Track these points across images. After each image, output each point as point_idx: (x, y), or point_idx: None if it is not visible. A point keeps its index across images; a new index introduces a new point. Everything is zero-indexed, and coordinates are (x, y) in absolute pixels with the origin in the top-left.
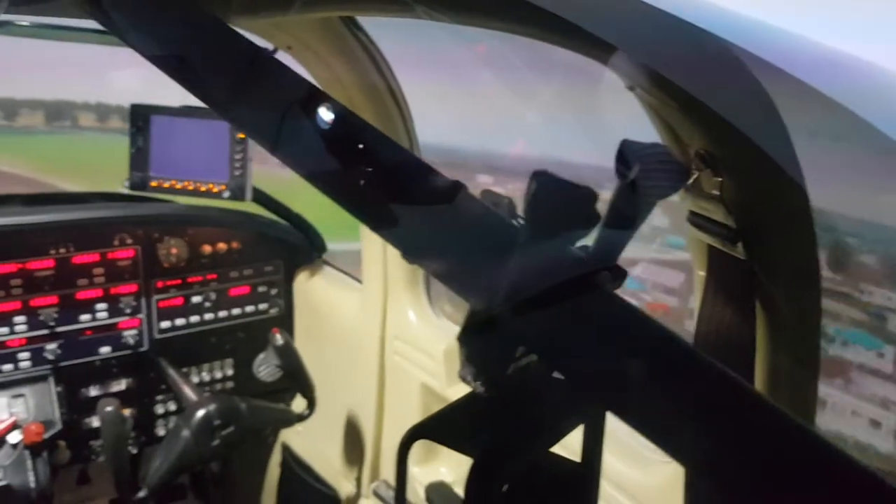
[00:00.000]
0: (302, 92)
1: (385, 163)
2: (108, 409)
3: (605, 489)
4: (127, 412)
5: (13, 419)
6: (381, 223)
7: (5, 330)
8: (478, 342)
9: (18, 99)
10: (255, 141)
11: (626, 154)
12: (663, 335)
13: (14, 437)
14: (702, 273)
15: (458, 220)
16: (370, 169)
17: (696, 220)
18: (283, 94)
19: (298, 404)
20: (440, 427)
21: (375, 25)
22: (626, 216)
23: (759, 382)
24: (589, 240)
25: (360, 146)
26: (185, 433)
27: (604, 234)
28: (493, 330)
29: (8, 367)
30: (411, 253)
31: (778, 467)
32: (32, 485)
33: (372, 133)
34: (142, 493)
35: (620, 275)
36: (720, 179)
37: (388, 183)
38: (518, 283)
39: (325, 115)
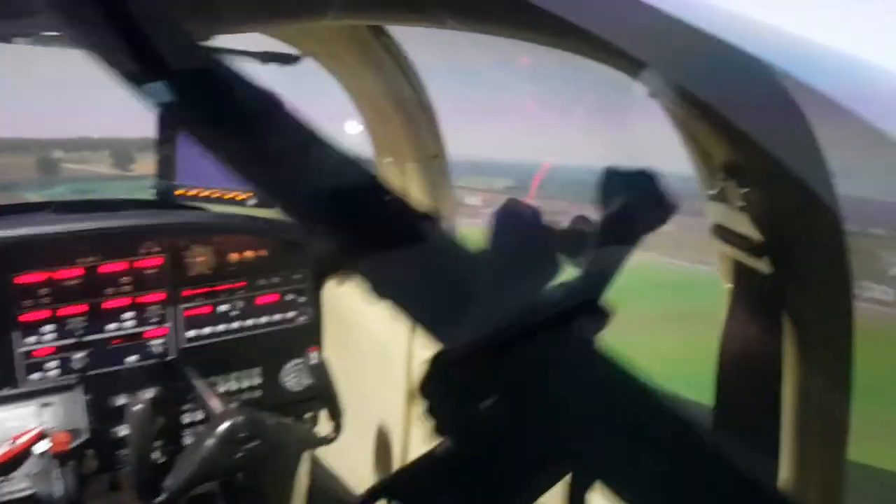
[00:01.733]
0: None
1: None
2: (137, 407)
3: None
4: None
5: (39, 429)
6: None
7: (33, 339)
8: (442, 390)
9: (126, 139)
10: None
11: (611, 183)
12: (643, 390)
13: (41, 447)
14: (729, 286)
15: (427, 255)
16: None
17: (722, 232)
18: None
19: (325, 419)
20: (405, 486)
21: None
22: (610, 251)
23: (788, 401)
24: (571, 276)
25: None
26: (210, 442)
27: (586, 271)
28: (460, 376)
29: (36, 376)
30: (380, 290)
31: None
32: (59, 493)
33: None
34: (160, 498)
35: (603, 315)
36: (746, 190)
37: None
38: (485, 328)
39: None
